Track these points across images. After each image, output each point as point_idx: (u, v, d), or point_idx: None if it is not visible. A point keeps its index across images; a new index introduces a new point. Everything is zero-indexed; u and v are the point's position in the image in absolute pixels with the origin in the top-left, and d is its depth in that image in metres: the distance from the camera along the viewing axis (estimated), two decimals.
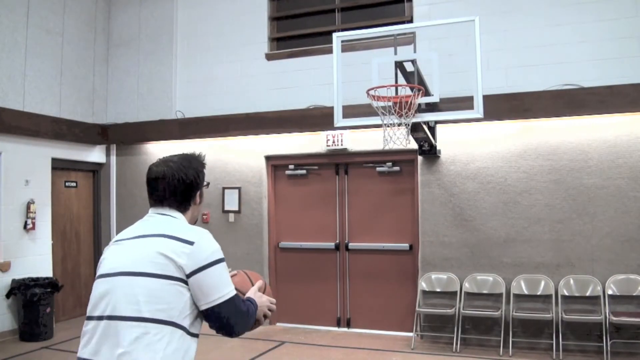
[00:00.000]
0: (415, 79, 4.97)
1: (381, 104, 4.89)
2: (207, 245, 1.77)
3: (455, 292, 5.98)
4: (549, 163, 5.82)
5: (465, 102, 4.96)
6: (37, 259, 6.67)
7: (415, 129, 5.31)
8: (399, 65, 5.04)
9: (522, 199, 5.89)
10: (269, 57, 7.12)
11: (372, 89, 4.87)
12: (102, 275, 1.77)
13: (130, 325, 1.64)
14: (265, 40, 7.17)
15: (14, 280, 6.23)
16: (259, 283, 2.06)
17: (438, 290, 6.12)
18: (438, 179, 6.22)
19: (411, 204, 6.52)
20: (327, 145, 6.70)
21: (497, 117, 5.75)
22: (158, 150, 7.47)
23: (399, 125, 4.94)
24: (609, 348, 5.19)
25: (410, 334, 6.05)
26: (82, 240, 7.67)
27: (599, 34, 5.66)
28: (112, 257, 1.80)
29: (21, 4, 6.61)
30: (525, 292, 5.76)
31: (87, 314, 1.76)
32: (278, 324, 7.02)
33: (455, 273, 6.06)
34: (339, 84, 5.21)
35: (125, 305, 1.67)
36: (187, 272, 1.71)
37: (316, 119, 6.47)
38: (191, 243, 1.74)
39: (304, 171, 7.02)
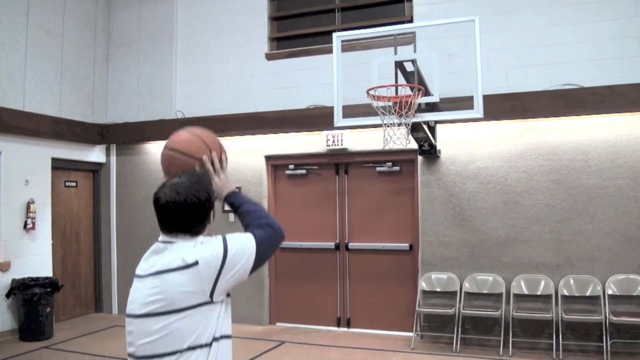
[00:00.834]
0: (415, 79, 4.98)
1: (381, 103, 4.88)
2: (209, 253, 1.71)
3: (455, 292, 5.98)
4: (549, 163, 5.82)
5: (465, 102, 4.96)
6: (37, 259, 6.67)
7: (415, 128, 5.32)
8: (399, 65, 5.04)
9: (522, 199, 5.88)
10: (269, 57, 7.12)
11: (372, 88, 4.87)
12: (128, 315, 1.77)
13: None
14: (265, 40, 7.17)
15: (14, 280, 6.24)
16: (214, 154, 1.96)
17: (438, 290, 6.12)
18: (438, 179, 6.22)
19: (411, 204, 6.52)
20: (327, 145, 6.70)
21: (497, 117, 5.75)
22: (158, 150, 7.42)
23: (399, 125, 4.95)
24: (609, 348, 5.19)
25: (410, 334, 6.05)
26: (82, 240, 7.67)
27: (599, 34, 5.66)
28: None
29: (21, 4, 6.61)
30: (525, 292, 5.76)
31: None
32: (278, 324, 7.02)
33: (455, 273, 6.06)
34: (338, 83, 5.22)
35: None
36: (207, 289, 1.69)
37: (316, 119, 6.47)
38: (196, 263, 1.68)
39: (304, 171, 7.02)
